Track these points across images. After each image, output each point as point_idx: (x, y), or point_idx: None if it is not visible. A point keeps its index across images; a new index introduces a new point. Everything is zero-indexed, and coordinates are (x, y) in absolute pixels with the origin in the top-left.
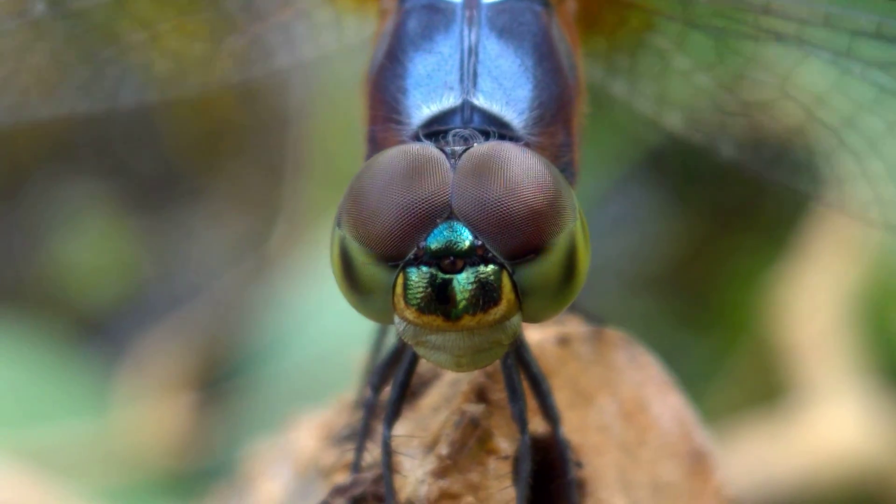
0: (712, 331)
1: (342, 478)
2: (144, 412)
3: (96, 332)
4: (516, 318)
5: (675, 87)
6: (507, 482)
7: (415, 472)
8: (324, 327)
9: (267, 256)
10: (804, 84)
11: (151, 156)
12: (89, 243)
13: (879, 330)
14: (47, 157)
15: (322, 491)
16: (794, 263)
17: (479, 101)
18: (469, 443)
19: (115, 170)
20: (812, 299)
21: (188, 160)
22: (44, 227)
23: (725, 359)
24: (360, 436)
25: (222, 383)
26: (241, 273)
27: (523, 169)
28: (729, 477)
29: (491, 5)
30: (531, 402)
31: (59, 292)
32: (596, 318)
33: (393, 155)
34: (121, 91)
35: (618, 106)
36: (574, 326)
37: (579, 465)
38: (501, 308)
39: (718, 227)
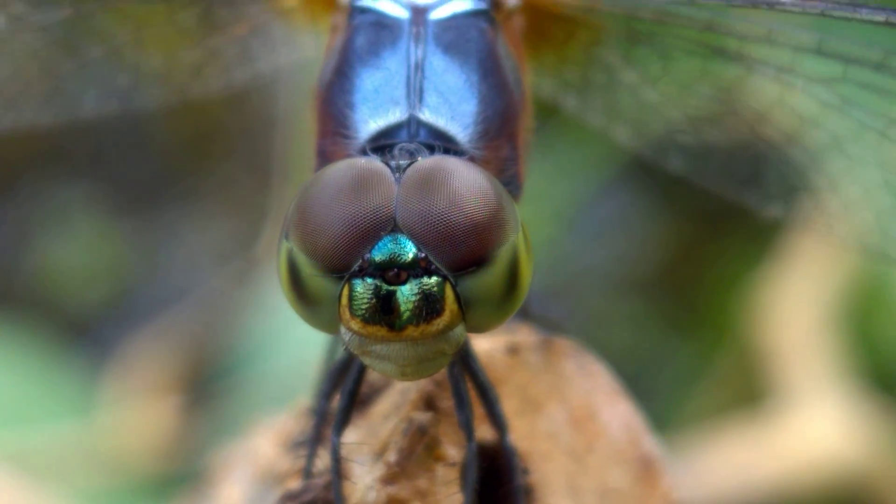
0: (698, 333)
1: (295, 484)
2: (130, 415)
3: (83, 334)
4: (460, 329)
5: (623, 102)
6: (455, 488)
7: (364, 479)
8: (310, 330)
9: (254, 259)
10: (748, 99)
11: (139, 159)
12: (77, 245)
13: (862, 334)
14: (36, 160)
15: (275, 497)
16: (779, 267)
17: (425, 115)
18: (417, 450)
19: (103, 173)
20: (796, 303)
21: (176, 163)
22: (32, 228)
23: (710, 361)
24: (311, 442)
25: (208, 386)
26: (228, 276)
27: (466, 182)
28: (677, 482)
29: (437, 22)
30: (479, 411)
31: (47, 294)
32: (550, 324)
33: (339, 168)
34: (82, 103)
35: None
36: (524, 335)
37: (526, 471)
38: (444, 319)
39: (705, 230)
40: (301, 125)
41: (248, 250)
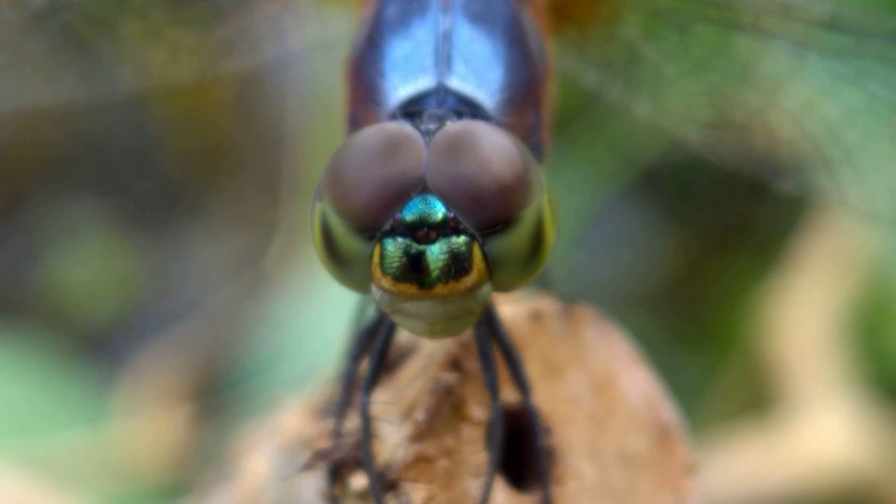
0: (705, 346)
1: (324, 444)
2: (141, 426)
3: (95, 347)
4: (487, 287)
5: (642, 76)
6: (480, 447)
7: (392, 437)
8: (318, 343)
9: (263, 273)
10: (764, 72)
11: (150, 174)
12: (88, 259)
13: (868, 344)
14: (47, 175)
15: (304, 459)
16: (785, 279)
17: (453, 83)
18: (444, 409)
19: (114, 187)
20: (802, 314)
21: (186, 178)
22: (43, 243)
23: (718, 373)
24: (340, 404)
25: (218, 397)
26: (238, 289)
27: (493, 146)
28: (693, 449)
29: None
30: (503, 373)
31: (59, 308)
32: (568, 298)
33: (370, 133)
34: (117, 79)
35: (611, 126)
36: (546, 303)
37: (549, 432)
38: (472, 277)
39: (711, 245)
40: (309, 140)
41: (258, 264)
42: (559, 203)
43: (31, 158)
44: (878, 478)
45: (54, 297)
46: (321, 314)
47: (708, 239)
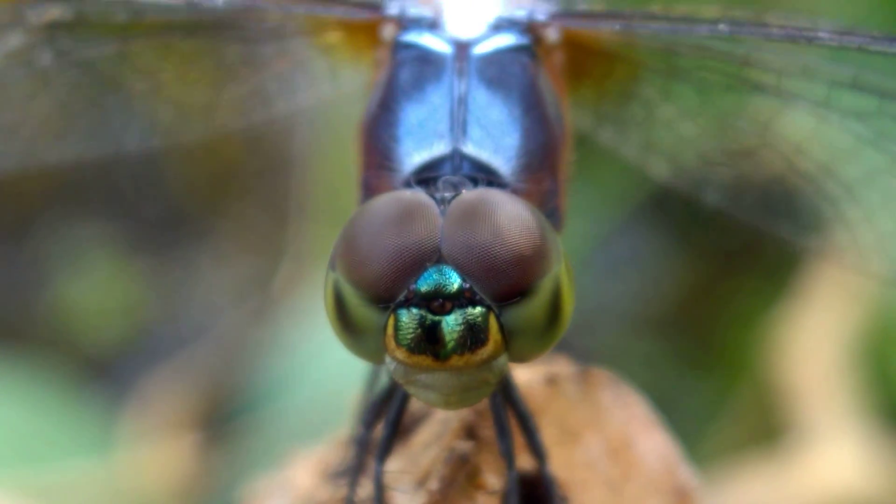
0: (714, 371)
1: None
2: (149, 452)
3: (101, 371)
4: (503, 358)
5: (660, 136)
6: None
7: None
8: (327, 368)
9: (271, 297)
10: (784, 133)
11: (157, 197)
12: (95, 284)
13: (879, 371)
14: (54, 198)
15: None
16: (795, 305)
17: (469, 149)
18: (458, 478)
19: (121, 211)
20: (812, 340)
21: (194, 202)
22: (50, 267)
23: (726, 399)
24: (353, 471)
25: (226, 423)
26: (246, 314)
27: (510, 215)
28: None
29: (480, 57)
30: (518, 440)
31: (65, 332)
32: (584, 355)
33: (385, 201)
34: (125, 137)
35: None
36: (562, 366)
37: (565, 500)
38: (489, 348)
39: (720, 268)
40: (317, 164)
41: (265, 289)
42: (567, 226)
43: (38, 182)
44: None
45: (61, 321)
46: (330, 339)
47: (716, 262)
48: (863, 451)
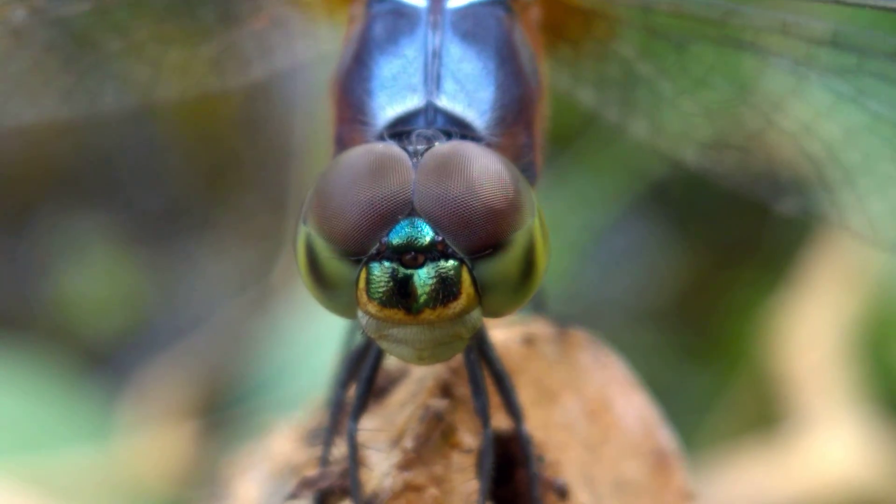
0: (712, 361)
1: (311, 472)
2: (147, 441)
3: (101, 361)
4: (476, 313)
5: (639, 95)
6: (471, 475)
7: (380, 465)
8: (325, 358)
9: (270, 288)
10: (764, 91)
11: (156, 189)
12: (95, 275)
13: (877, 360)
14: (54, 190)
15: (292, 486)
16: (792, 295)
17: (442, 102)
18: (433, 436)
19: (119, 203)
20: (809, 330)
21: (192, 194)
22: (50, 258)
23: (725, 388)
24: (328, 431)
25: (225, 413)
26: (244, 304)
27: (483, 167)
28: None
29: (455, 10)
30: (495, 399)
31: (64, 323)
32: (561, 321)
33: (357, 154)
34: (101, 97)
35: (619, 141)
36: (540, 327)
37: (541, 459)
38: (461, 302)
39: (718, 260)
40: (314, 156)
41: (264, 279)
42: (566, 219)
43: (38, 173)
44: (886, 494)
45: (60, 312)
46: (328, 329)
47: (715, 254)
48: (860, 439)
